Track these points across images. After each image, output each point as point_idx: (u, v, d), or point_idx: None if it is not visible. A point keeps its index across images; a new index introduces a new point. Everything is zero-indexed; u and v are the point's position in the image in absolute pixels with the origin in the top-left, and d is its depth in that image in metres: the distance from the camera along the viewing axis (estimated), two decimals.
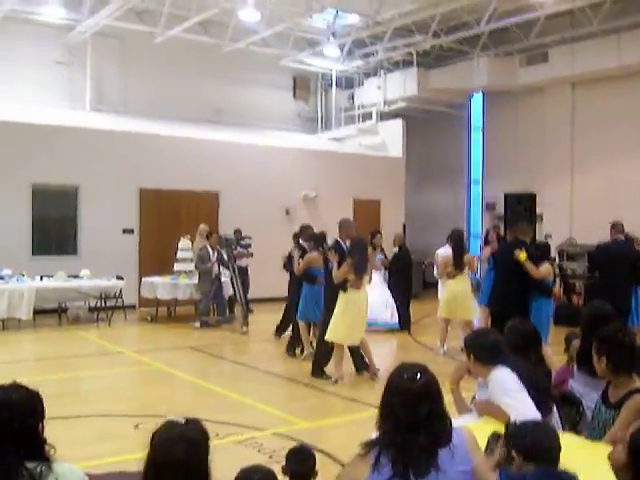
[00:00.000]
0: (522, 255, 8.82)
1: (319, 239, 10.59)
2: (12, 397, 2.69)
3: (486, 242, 11.71)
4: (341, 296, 9.02)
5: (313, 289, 10.46)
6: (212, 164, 16.73)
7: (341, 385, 8.94)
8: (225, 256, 13.66)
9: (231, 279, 13.69)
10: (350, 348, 9.46)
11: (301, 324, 10.70)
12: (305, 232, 11.29)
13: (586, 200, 17.99)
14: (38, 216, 14.88)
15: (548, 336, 8.76)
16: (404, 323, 13.20)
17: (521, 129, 19.68)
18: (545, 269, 9.13)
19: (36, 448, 2.69)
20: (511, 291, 9.06)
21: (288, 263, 11.61)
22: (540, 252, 9.49)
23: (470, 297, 11.15)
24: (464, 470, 2.94)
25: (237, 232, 14.50)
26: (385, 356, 11.00)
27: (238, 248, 14.04)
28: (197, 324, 13.60)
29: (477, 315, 11.18)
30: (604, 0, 15.21)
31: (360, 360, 9.50)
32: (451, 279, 11.01)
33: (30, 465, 2.63)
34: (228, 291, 14.09)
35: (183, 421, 2.67)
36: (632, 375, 4.28)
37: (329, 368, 9.31)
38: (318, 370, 9.33)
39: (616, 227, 10.43)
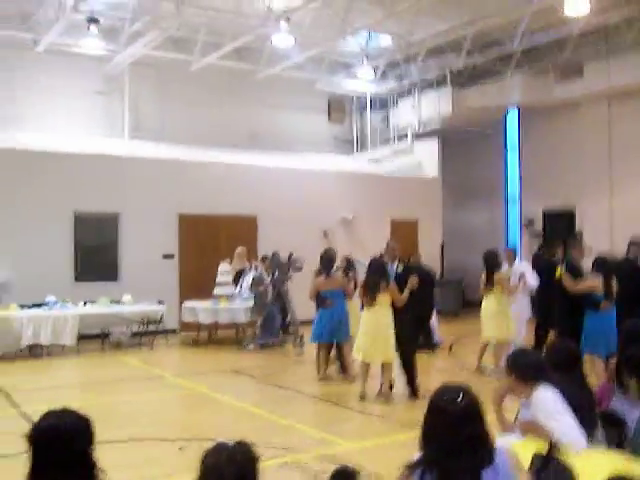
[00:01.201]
0: (557, 271, 9.52)
1: (327, 262, 10.89)
2: (64, 422, 2.77)
3: (497, 265, 11.13)
4: None
5: (324, 311, 10.64)
6: (249, 188, 16.89)
7: (382, 406, 8.93)
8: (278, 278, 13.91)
9: (277, 300, 13.88)
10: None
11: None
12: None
13: (626, 215, 17.76)
14: (80, 243, 15.16)
15: (607, 350, 8.59)
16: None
17: (558, 145, 19.55)
18: (585, 284, 9.17)
19: (87, 472, 2.76)
20: (554, 306, 9.33)
21: None
22: (597, 267, 9.45)
23: (504, 316, 10.87)
24: None
25: (289, 255, 14.56)
26: (422, 376, 10.93)
27: (290, 271, 14.19)
28: (251, 346, 13.73)
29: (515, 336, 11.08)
30: (637, 13, 15.12)
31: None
32: (485, 298, 11.02)
33: None
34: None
35: (232, 444, 2.71)
36: None
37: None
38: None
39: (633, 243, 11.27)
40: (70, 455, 2.70)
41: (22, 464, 2.81)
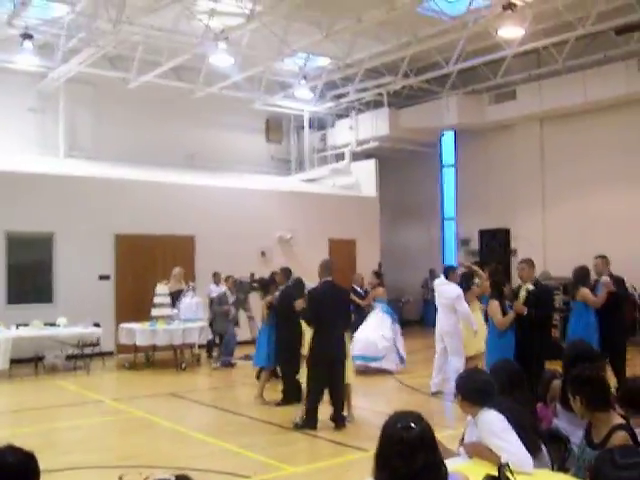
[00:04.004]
0: None
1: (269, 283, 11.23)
2: (8, 460, 2.66)
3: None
4: None
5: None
6: (187, 208, 16.72)
7: (324, 429, 8.81)
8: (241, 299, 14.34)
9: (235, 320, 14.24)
10: None
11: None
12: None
13: (559, 233, 18.25)
14: (13, 264, 14.75)
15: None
16: None
17: (492, 165, 19.98)
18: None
19: None
20: None
21: None
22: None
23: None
24: None
25: (251, 276, 14.58)
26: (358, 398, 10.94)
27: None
28: (217, 364, 13.89)
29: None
30: (567, 39, 15.59)
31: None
32: None
33: None
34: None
35: (173, 479, 2.66)
36: (609, 411, 4.28)
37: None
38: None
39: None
40: None
41: None
